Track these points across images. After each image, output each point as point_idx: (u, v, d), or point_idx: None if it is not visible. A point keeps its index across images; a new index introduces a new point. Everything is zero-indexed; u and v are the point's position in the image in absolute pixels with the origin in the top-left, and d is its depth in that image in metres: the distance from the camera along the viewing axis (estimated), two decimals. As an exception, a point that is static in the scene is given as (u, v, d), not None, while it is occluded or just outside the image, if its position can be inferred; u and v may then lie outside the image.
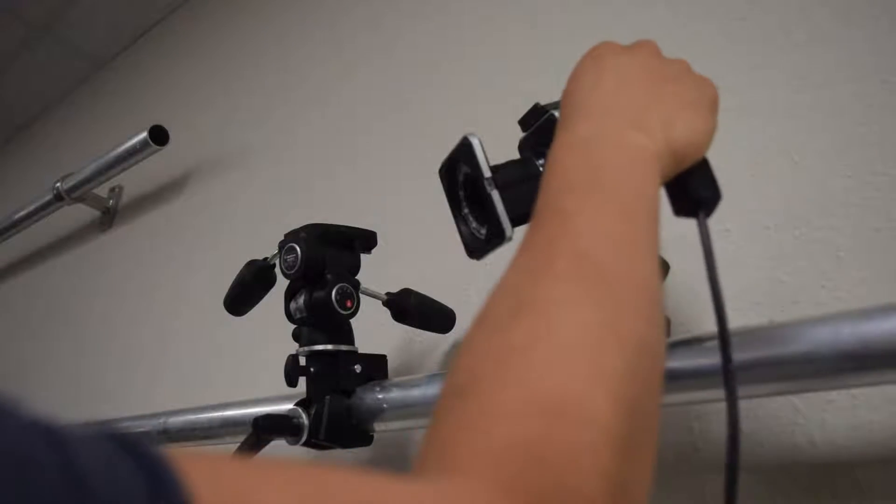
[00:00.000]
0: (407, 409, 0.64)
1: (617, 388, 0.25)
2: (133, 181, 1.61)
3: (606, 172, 0.33)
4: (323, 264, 0.66)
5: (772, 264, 0.58)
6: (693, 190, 0.38)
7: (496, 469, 0.21)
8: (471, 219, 0.49)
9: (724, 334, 0.37)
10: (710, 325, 0.58)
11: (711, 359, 0.47)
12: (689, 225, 0.65)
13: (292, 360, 0.66)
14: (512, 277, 0.30)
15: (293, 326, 0.68)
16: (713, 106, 0.39)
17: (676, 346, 0.48)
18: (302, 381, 0.66)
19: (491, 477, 0.21)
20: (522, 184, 0.46)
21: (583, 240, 0.30)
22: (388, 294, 0.70)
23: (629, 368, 0.26)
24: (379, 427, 0.67)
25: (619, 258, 0.29)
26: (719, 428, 0.56)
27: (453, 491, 0.21)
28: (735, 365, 0.45)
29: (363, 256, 0.70)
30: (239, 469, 0.19)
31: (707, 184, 0.39)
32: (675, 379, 0.48)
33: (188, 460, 0.17)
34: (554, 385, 0.24)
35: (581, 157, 0.34)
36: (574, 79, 0.39)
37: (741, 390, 0.47)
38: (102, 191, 1.66)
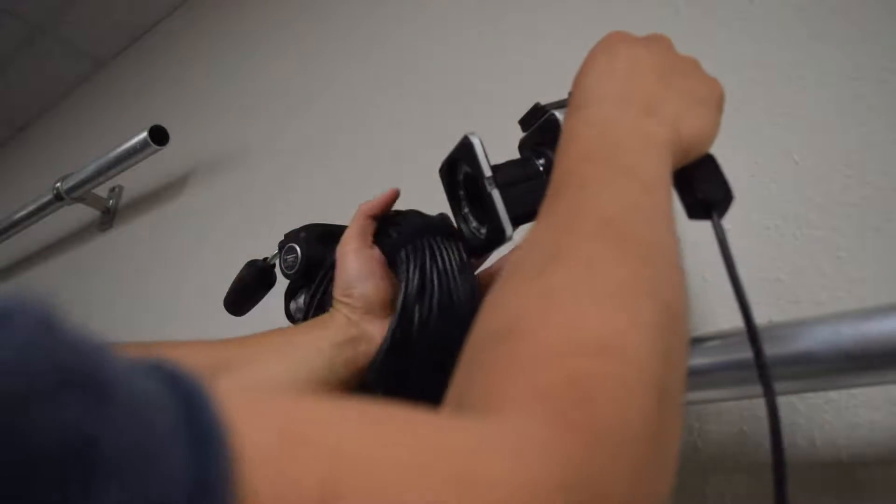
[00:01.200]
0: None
1: (653, 337, 0.25)
2: (133, 181, 1.61)
3: (625, 150, 0.33)
4: (323, 264, 0.65)
5: (772, 264, 0.58)
6: (704, 191, 0.39)
7: (547, 406, 0.22)
8: (471, 218, 0.49)
9: (752, 331, 0.37)
10: (710, 326, 0.59)
11: (711, 358, 0.47)
12: (688, 225, 0.65)
13: (292, 359, 0.66)
14: (540, 236, 0.30)
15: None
16: (720, 105, 0.40)
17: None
18: (302, 380, 0.66)
19: (542, 413, 0.21)
20: (522, 183, 0.46)
21: (608, 206, 0.30)
22: (388, 294, 0.70)
23: (662, 322, 0.26)
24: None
25: (644, 226, 0.30)
26: (719, 427, 0.56)
27: (509, 427, 0.21)
28: (734, 363, 0.45)
29: (363, 256, 0.70)
30: (285, 404, 0.18)
31: (718, 185, 0.40)
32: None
33: (228, 396, 0.16)
34: (598, 327, 0.24)
35: (599, 133, 0.34)
36: (587, 64, 0.39)
37: (741, 390, 0.47)
38: (102, 191, 1.66)
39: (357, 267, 0.49)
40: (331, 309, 0.50)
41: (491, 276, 0.54)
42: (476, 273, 0.53)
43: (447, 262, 0.48)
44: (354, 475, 0.16)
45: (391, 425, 0.19)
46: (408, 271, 0.47)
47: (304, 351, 0.45)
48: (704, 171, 0.39)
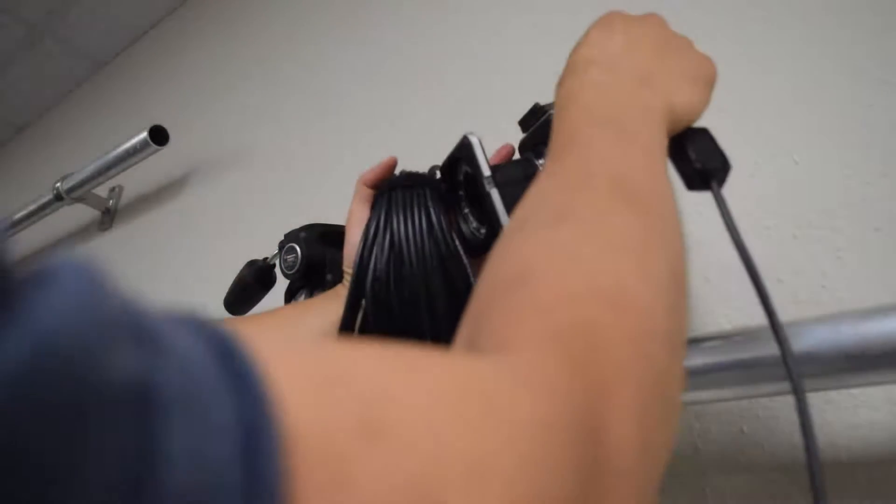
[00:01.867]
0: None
1: (662, 291, 0.26)
2: (133, 181, 1.61)
3: (625, 114, 0.33)
4: (323, 264, 0.66)
5: (772, 264, 0.58)
6: (703, 161, 0.39)
7: (561, 347, 0.22)
8: (471, 218, 0.49)
9: (765, 300, 0.37)
10: (710, 326, 0.59)
11: (711, 358, 0.47)
12: (688, 226, 0.65)
13: (292, 359, 0.66)
14: (549, 193, 0.30)
15: (293, 326, 0.68)
16: (711, 83, 0.40)
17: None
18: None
19: (556, 354, 0.22)
20: (522, 183, 0.46)
21: (617, 166, 0.30)
22: (387, 294, 0.70)
23: (669, 276, 0.27)
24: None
25: (650, 186, 0.30)
26: (719, 427, 0.56)
27: (523, 365, 0.21)
28: (734, 363, 0.45)
29: (363, 256, 0.70)
30: (316, 350, 0.19)
31: (715, 154, 0.40)
32: (674, 379, 0.48)
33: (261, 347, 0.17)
34: (610, 275, 0.25)
35: (601, 94, 0.35)
36: (585, 36, 0.40)
37: (741, 390, 0.47)
38: (102, 191, 1.66)
39: (355, 236, 0.50)
40: (343, 281, 0.52)
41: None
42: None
43: (399, 217, 0.47)
44: (392, 412, 0.17)
45: (422, 362, 0.20)
46: (365, 228, 0.48)
47: (317, 321, 0.46)
48: (700, 141, 0.39)
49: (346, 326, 0.46)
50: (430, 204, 0.48)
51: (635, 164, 0.31)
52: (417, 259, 0.46)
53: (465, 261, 0.47)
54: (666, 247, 0.28)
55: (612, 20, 0.40)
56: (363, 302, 0.46)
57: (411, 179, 0.51)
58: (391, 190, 0.50)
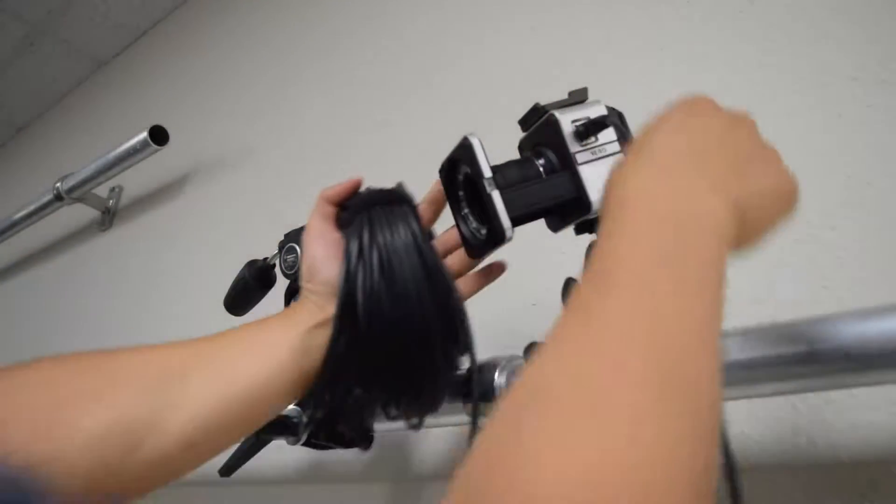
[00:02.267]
0: (407, 409, 0.64)
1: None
2: (133, 181, 1.61)
3: (695, 248, 0.29)
4: (323, 264, 0.65)
5: (772, 264, 0.58)
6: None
7: None
8: (471, 219, 0.49)
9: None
10: (710, 325, 0.59)
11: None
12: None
13: (292, 360, 0.66)
14: (569, 352, 0.25)
15: (293, 326, 0.68)
16: (790, 203, 0.37)
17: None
18: (302, 381, 0.66)
19: None
20: (522, 184, 0.46)
21: (664, 343, 0.25)
22: (388, 294, 0.70)
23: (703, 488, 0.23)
24: (379, 427, 0.67)
25: (700, 367, 0.25)
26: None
27: None
28: (734, 363, 0.45)
29: (363, 256, 0.70)
30: None
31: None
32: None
33: None
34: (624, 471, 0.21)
35: (672, 215, 0.30)
36: (664, 117, 0.37)
37: (741, 390, 0.47)
38: (102, 191, 1.66)
39: (319, 252, 0.49)
40: (299, 297, 0.49)
41: (448, 250, 0.54)
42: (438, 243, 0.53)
43: (386, 233, 0.47)
44: None
45: None
46: (348, 245, 0.48)
47: (273, 342, 0.45)
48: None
49: (337, 349, 0.46)
50: (411, 220, 0.48)
51: (690, 340, 0.25)
52: (408, 275, 0.46)
53: (449, 274, 0.48)
54: (703, 453, 0.23)
55: (698, 109, 0.37)
56: (350, 320, 0.46)
57: (391, 196, 0.51)
58: (371, 207, 0.50)
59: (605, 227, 0.31)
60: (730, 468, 0.35)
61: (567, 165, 0.47)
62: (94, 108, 2.06)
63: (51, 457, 0.34)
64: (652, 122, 0.37)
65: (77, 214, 1.71)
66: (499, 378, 0.57)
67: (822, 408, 0.51)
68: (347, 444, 0.67)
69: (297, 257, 0.65)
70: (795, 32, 0.65)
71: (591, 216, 0.48)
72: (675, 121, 0.37)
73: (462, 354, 0.51)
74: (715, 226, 0.30)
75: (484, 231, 0.47)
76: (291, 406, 0.66)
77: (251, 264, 0.71)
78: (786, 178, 0.37)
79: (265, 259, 0.70)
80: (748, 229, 0.33)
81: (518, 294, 0.76)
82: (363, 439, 0.67)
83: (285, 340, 0.45)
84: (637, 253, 0.28)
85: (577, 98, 0.49)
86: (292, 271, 0.65)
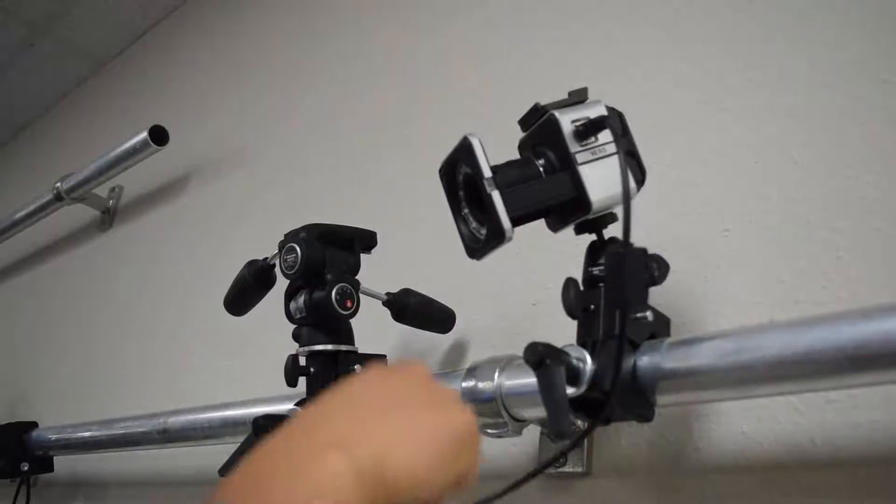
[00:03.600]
0: (407, 409, 0.64)
1: None
2: (133, 181, 1.61)
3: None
4: (323, 264, 0.66)
5: (772, 264, 0.58)
6: None
7: None
8: (471, 219, 0.49)
9: None
10: (710, 325, 0.59)
11: (711, 359, 0.47)
12: (687, 226, 0.65)
13: (292, 360, 0.66)
14: None
15: (293, 326, 0.68)
16: (449, 444, 0.32)
17: (676, 346, 0.49)
18: (302, 381, 0.66)
19: None
20: (522, 184, 0.46)
21: None
22: (388, 294, 0.70)
23: None
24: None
25: None
26: (719, 428, 0.56)
27: None
28: (734, 363, 0.45)
29: (363, 256, 0.70)
30: None
31: None
32: (675, 378, 0.48)
33: None
34: None
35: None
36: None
37: (741, 390, 0.47)
38: (102, 191, 1.65)
39: None
40: None
41: None
42: None
43: None
44: None
45: None
46: None
47: None
48: None
49: None
50: None
51: None
52: None
53: None
54: None
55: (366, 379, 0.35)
56: None
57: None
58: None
59: None
60: None
61: (567, 165, 0.47)
62: (94, 108, 2.06)
63: None
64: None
65: (77, 214, 1.71)
66: (499, 378, 0.57)
67: (822, 408, 0.51)
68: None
69: (297, 257, 0.65)
70: (795, 32, 0.65)
71: (590, 216, 0.49)
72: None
73: None
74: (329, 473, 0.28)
75: (484, 231, 0.47)
76: (291, 406, 0.66)
77: (251, 264, 0.71)
78: (441, 418, 0.33)
79: (265, 259, 0.70)
80: (395, 475, 0.30)
81: (518, 294, 0.76)
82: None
83: None
84: None
85: (577, 98, 0.49)
86: (292, 271, 0.65)
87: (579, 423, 0.56)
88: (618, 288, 0.48)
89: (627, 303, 0.47)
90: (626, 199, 0.44)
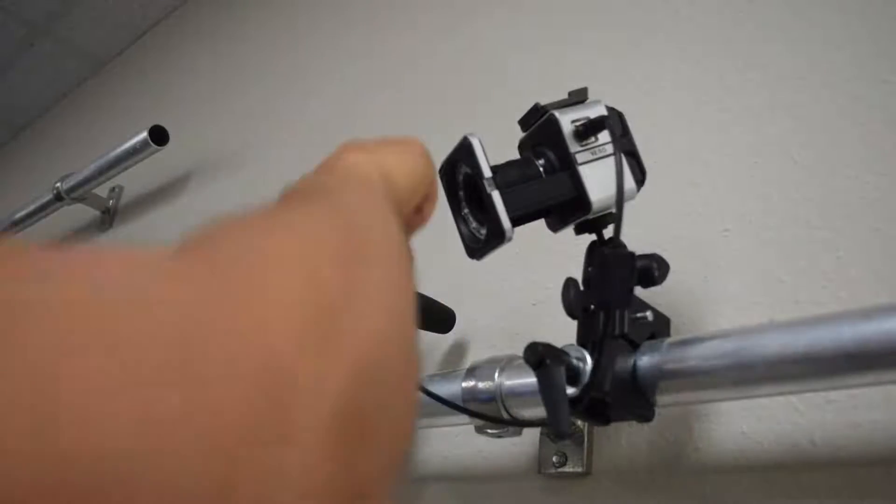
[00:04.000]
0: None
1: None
2: (133, 181, 1.61)
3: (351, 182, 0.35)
4: (323, 264, 0.65)
5: (772, 264, 0.58)
6: None
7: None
8: (471, 219, 0.49)
9: None
10: (710, 325, 0.59)
11: (711, 359, 0.47)
12: (687, 226, 0.65)
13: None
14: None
15: (293, 326, 0.68)
16: (415, 153, 0.41)
17: (676, 346, 0.49)
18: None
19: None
20: (522, 184, 0.46)
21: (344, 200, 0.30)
22: (388, 294, 0.70)
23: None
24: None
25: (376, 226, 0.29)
26: (719, 428, 0.56)
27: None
28: (735, 363, 0.45)
29: (363, 256, 0.70)
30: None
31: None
32: (675, 378, 0.48)
33: None
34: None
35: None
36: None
37: (741, 390, 0.47)
38: (102, 191, 1.65)
39: None
40: None
41: None
42: None
43: None
44: None
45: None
46: None
47: None
48: None
49: None
50: None
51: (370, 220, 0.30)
52: None
53: None
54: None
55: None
56: None
57: None
58: None
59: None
60: None
61: (567, 165, 0.47)
62: (94, 108, 2.06)
63: None
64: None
65: (77, 214, 1.71)
66: (499, 378, 0.57)
67: (822, 408, 0.51)
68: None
69: (297, 257, 0.65)
70: (795, 32, 0.65)
71: (591, 216, 0.49)
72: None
73: None
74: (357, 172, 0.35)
75: (484, 231, 0.47)
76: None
77: (251, 264, 0.71)
78: (416, 148, 0.41)
79: (265, 259, 0.70)
80: (396, 177, 0.36)
81: (518, 294, 0.76)
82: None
83: None
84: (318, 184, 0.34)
85: (577, 98, 0.49)
86: (292, 271, 0.65)
87: (579, 423, 0.56)
88: (600, 288, 0.49)
89: (609, 304, 0.48)
90: (620, 198, 0.45)
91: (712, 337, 0.48)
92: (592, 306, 0.50)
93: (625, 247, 0.48)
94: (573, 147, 0.47)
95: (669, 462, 0.58)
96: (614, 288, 0.48)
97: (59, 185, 1.57)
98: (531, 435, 0.64)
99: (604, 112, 0.48)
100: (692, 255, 0.62)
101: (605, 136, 0.48)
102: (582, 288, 0.51)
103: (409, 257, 0.32)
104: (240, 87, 1.47)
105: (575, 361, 0.47)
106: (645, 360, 0.48)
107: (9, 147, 2.46)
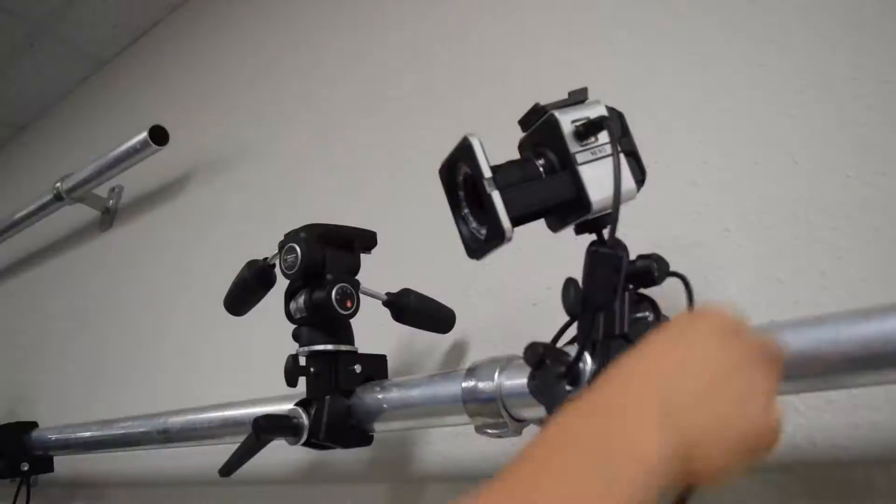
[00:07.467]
0: (406, 410, 0.64)
1: None
2: (133, 181, 1.61)
3: (627, 462, 0.29)
4: (323, 264, 0.65)
5: (772, 264, 0.58)
6: None
7: None
8: (471, 219, 0.49)
9: None
10: (710, 325, 0.59)
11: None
12: (686, 226, 0.65)
13: (292, 359, 0.66)
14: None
15: (293, 326, 0.68)
16: (758, 447, 0.34)
17: (676, 346, 0.48)
18: (302, 380, 0.66)
19: None
20: (522, 184, 0.46)
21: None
22: (388, 294, 0.70)
23: None
24: (379, 427, 0.67)
25: None
26: (719, 428, 0.56)
27: None
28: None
29: (363, 256, 0.70)
30: None
31: None
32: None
33: None
34: None
35: (596, 422, 0.31)
36: (679, 329, 0.36)
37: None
38: (102, 191, 1.65)
39: None
40: None
41: None
42: None
43: None
44: None
45: None
46: None
47: None
48: None
49: None
50: None
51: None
52: None
53: None
54: None
55: (716, 331, 0.36)
56: None
57: None
58: None
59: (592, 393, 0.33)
60: None
61: (567, 165, 0.47)
62: (94, 108, 2.06)
63: None
64: (669, 330, 0.36)
65: (77, 214, 1.71)
66: (499, 378, 0.57)
67: (822, 408, 0.51)
68: (347, 444, 0.67)
69: (297, 257, 0.65)
70: (795, 32, 0.65)
71: (590, 216, 0.48)
72: (678, 339, 0.35)
73: None
74: (645, 467, 0.30)
75: (484, 231, 0.47)
76: (291, 406, 0.66)
77: (251, 264, 0.71)
78: (761, 422, 0.34)
79: (265, 259, 0.70)
80: (698, 462, 0.31)
81: (518, 294, 0.76)
82: (363, 439, 0.67)
83: None
84: (571, 444, 0.30)
85: (577, 98, 0.49)
86: (292, 271, 0.65)
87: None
88: (588, 288, 0.49)
89: (597, 305, 0.48)
90: (616, 198, 0.45)
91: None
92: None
93: (623, 247, 0.48)
94: (573, 147, 0.47)
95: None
96: (599, 288, 0.48)
97: (59, 184, 1.57)
98: (531, 435, 0.64)
99: (604, 112, 0.48)
100: (692, 255, 0.62)
101: (605, 136, 0.48)
102: (582, 288, 0.51)
103: None
104: (240, 86, 1.47)
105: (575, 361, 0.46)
106: (645, 360, 0.48)
107: (9, 147, 2.46)
